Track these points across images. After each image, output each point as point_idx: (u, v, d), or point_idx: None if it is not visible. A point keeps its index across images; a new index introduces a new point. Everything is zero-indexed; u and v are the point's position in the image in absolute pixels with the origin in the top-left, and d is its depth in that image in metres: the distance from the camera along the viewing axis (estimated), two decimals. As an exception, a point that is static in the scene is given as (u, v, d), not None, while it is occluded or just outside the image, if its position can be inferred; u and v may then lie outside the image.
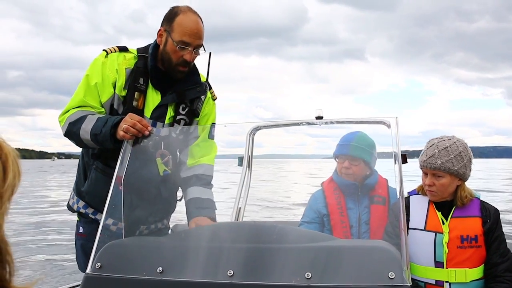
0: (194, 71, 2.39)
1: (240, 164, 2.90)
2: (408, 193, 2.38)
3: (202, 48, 2.27)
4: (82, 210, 2.43)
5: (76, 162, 2.67)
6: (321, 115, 2.33)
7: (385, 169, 2.53)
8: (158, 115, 2.30)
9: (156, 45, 2.29)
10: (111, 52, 2.29)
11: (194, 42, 2.22)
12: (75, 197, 2.47)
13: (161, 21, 2.29)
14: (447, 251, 2.16)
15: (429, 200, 2.30)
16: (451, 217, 2.22)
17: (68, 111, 2.25)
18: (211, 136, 2.45)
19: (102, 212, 2.34)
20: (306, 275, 1.61)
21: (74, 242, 2.57)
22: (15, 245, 8.54)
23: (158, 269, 1.74)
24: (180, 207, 2.57)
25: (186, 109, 2.38)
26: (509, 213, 12.28)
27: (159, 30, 2.28)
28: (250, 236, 1.87)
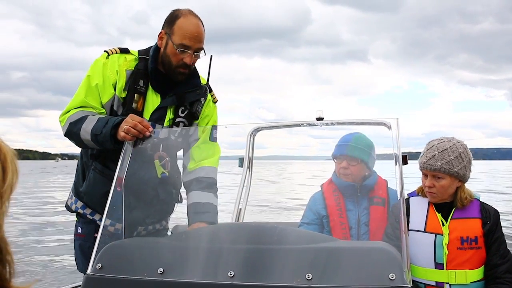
0: (195, 74, 2.39)
1: (241, 165, 2.90)
2: (408, 194, 2.38)
3: (202, 51, 2.28)
4: (80, 211, 2.43)
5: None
6: (322, 116, 2.33)
7: (386, 170, 2.53)
8: (157, 117, 2.31)
9: (157, 48, 2.30)
10: (112, 53, 2.30)
11: (194, 45, 2.22)
12: (74, 198, 2.47)
13: (162, 23, 2.30)
14: (447, 252, 2.16)
15: (429, 202, 2.30)
16: (451, 219, 2.22)
17: (69, 111, 2.25)
18: (212, 138, 2.45)
19: (100, 213, 2.34)
20: (306, 276, 1.61)
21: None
22: (20, 246, 8.58)
23: (159, 270, 1.74)
24: (180, 208, 2.58)
25: (186, 112, 2.38)
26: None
27: (160, 33, 2.28)
28: (251, 237, 1.87)
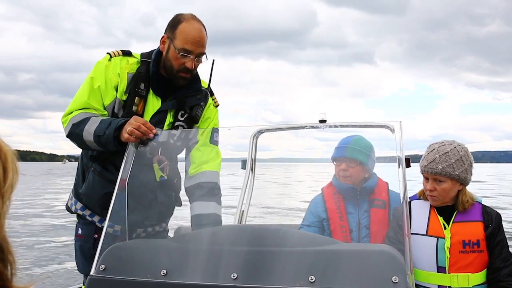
0: (196, 78, 2.40)
1: (243, 167, 2.90)
2: (409, 198, 2.37)
3: (204, 56, 2.28)
4: (79, 212, 2.43)
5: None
6: (325, 119, 2.34)
7: (390, 173, 2.52)
8: (157, 120, 2.30)
9: (159, 52, 2.31)
10: (115, 56, 2.30)
11: (196, 50, 2.23)
12: (73, 199, 2.48)
13: (164, 28, 2.31)
14: (449, 256, 2.16)
15: (431, 205, 2.29)
16: (452, 222, 2.22)
17: (71, 112, 2.26)
18: (213, 141, 2.44)
19: (99, 214, 2.35)
20: (310, 278, 1.61)
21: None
22: (24, 246, 8.62)
23: (162, 272, 1.74)
24: (180, 210, 2.58)
25: (185, 116, 2.38)
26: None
27: (162, 37, 2.29)
28: (254, 240, 1.87)
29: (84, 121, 2.20)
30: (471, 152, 2.29)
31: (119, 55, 2.31)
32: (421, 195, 2.35)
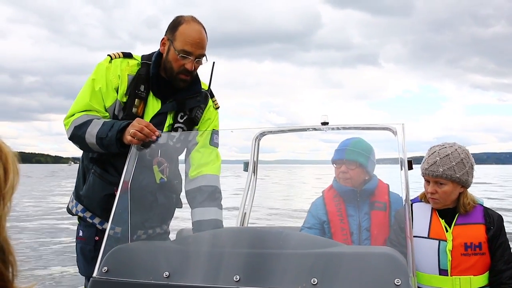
0: (196, 80, 2.40)
1: (246, 169, 2.90)
2: (410, 200, 2.37)
3: (204, 58, 2.29)
4: (80, 214, 2.44)
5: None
6: (327, 121, 2.34)
7: (391, 176, 2.51)
8: (157, 122, 2.30)
9: (159, 53, 2.31)
10: (115, 58, 2.31)
11: (196, 51, 2.23)
12: (74, 201, 2.48)
13: (165, 30, 2.31)
14: (451, 258, 2.15)
15: (432, 208, 2.29)
16: (454, 225, 2.22)
17: (73, 114, 2.26)
18: (213, 143, 2.44)
19: (99, 216, 2.36)
20: (312, 281, 1.61)
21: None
22: (28, 248, 8.64)
23: (164, 274, 1.74)
24: (181, 212, 2.58)
25: (185, 118, 2.39)
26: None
27: (163, 39, 2.30)
28: (256, 242, 1.87)
29: (86, 123, 2.20)
30: (476, 153, 2.28)
31: (119, 57, 2.32)
32: (423, 198, 2.35)
